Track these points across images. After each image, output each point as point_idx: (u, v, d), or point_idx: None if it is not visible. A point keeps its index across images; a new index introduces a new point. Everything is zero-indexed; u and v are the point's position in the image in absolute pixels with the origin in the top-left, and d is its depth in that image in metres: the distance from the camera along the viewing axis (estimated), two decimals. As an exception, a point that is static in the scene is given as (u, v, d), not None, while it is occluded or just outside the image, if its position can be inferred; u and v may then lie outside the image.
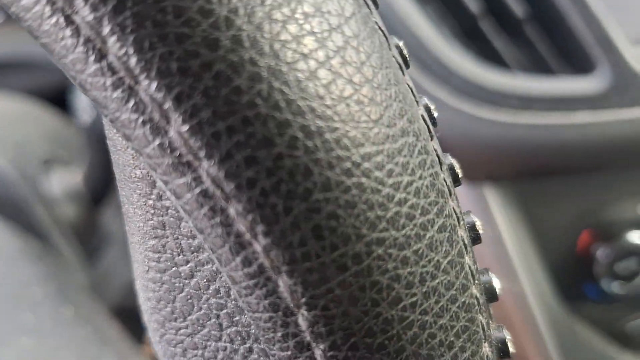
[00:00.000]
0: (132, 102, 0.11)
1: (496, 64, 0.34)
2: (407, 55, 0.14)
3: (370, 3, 0.14)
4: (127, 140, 0.12)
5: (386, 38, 0.14)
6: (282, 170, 0.11)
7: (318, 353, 0.13)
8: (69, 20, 0.11)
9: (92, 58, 0.11)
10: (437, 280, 0.13)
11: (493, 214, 0.38)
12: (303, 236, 0.12)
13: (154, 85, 0.11)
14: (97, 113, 0.29)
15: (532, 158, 0.34)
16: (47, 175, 0.32)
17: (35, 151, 0.32)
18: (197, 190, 0.12)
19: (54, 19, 0.11)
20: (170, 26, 0.11)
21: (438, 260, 0.13)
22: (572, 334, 0.42)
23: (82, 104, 0.30)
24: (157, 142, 0.12)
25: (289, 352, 0.13)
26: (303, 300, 0.12)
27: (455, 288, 0.14)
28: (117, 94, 0.11)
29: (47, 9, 0.11)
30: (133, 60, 0.11)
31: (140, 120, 0.11)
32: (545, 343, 0.41)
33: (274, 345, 0.13)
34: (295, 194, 0.12)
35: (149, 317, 0.16)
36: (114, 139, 0.14)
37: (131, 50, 0.11)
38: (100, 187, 0.34)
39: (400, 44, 0.14)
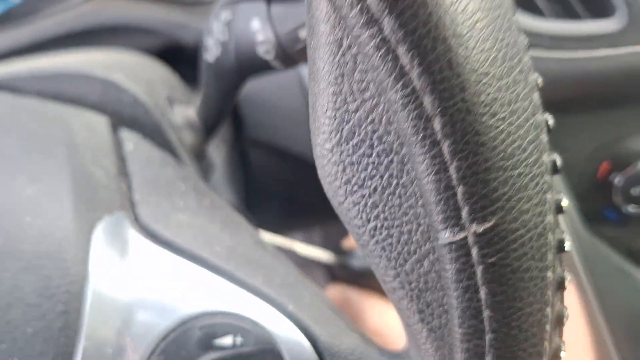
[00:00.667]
0: None
1: (532, 11, 0.42)
2: None
3: None
4: (337, 10, 0.19)
5: None
6: (431, 22, 0.19)
7: (445, 149, 0.20)
8: None
9: None
10: (517, 105, 0.21)
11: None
12: (441, 66, 0.19)
13: None
14: (222, 51, 0.37)
15: (561, 89, 0.41)
16: (171, 108, 0.40)
17: (160, 88, 0.40)
18: (379, 37, 0.19)
19: None
20: None
21: (518, 92, 0.21)
22: (594, 251, 0.49)
23: (210, 43, 0.38)
24: (357, 8, 0.19)
25: (425, 149, 0.20)
26: (438, 109, 0.20)
27: (529, 112, 0.21)
28: None
29: None
30: None
31: None
32: (572, 259, 0.49)
33: (414, 146, 0.20)
34: (438, 37, 0.19)
35: (321, 147, 0.23)
36: (316, 15, 0.21)
37: None
38: (211, 122, 0.42)
39: None
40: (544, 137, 0.22)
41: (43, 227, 0.28)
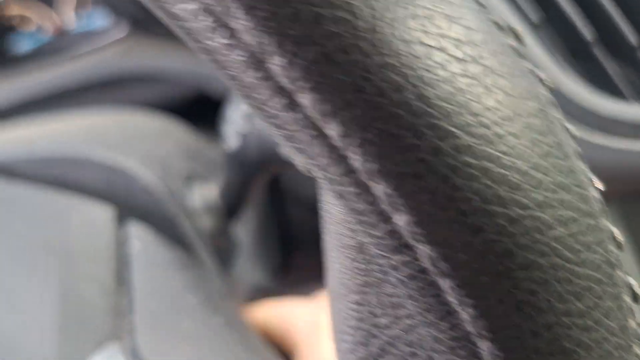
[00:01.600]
0: (366, 196, 0.14)
1: (609, 91, 0.35)
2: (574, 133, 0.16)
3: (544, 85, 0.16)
4: (359, 224, 0.14)
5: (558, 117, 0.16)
6: (491, 254, 0.14)
7: None
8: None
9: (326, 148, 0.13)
10: (610, 344, 0.15)
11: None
12: (506, 310, 0.14)
13: (385, 188, 0.13)
14: (243, 143, 0.32)
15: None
16: (189, 190, 0.36)
17: (178, 168, 0.36)
18: (415, 268, 0.14)
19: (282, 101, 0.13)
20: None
21: (612, 326, 0.15)
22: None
23: (230, 132, 0.33)
24: (384, 228, 0.14)
25: None
26: None
27: (622, 348, 0.16)
28: (354, 189, 0.14)
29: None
30: (368, 166, 0.13)
31: (372, 211, 0.14)
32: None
33: None
34: (501, 273, 0.14)
35: (342, 356, 0.18)
36: (333, 213, 0.16)
37: (355, 147, 0.13)
38: (234, 203, 0.37)
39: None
40: None
41: None
